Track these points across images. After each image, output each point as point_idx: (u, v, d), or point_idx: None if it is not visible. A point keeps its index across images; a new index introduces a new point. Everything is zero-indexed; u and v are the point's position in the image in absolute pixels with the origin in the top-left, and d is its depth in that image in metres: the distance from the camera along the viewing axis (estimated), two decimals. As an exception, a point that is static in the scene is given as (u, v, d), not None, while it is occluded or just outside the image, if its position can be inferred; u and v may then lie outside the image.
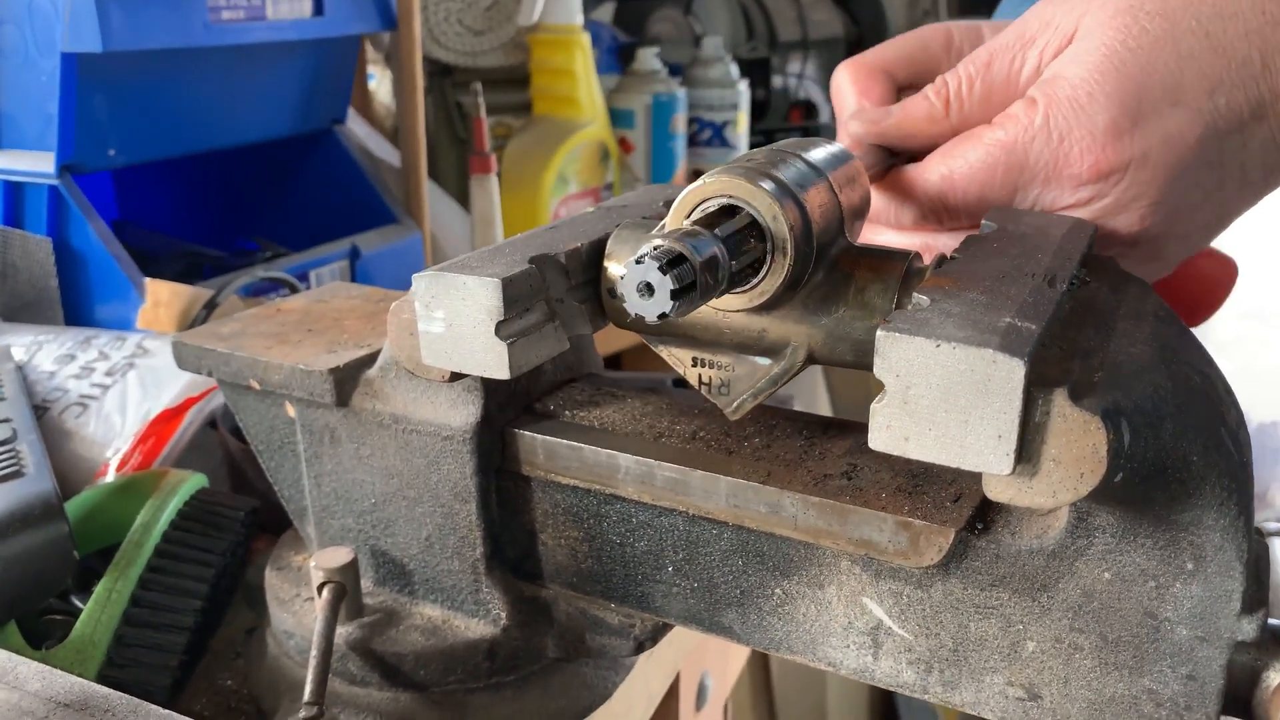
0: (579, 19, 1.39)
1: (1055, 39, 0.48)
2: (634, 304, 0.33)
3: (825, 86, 2.54)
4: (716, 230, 0.36)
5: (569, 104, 1.39)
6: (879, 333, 0.33)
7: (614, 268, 0.46)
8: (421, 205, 1.14)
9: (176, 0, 0.85)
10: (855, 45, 2.65)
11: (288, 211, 1.19)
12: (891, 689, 0.45)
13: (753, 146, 1.90)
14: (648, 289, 0.33)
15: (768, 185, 0.39)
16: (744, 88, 1.68)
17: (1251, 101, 0.45)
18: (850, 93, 0.55)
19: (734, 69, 1.68)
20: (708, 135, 1.64)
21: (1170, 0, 0.45)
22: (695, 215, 0.40)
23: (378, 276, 1.07)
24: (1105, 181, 0.46)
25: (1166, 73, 0.44)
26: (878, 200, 0.52)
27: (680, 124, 1.56)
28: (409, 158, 1.13)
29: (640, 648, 0.51)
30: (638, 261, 0.33)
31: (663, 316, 0.33)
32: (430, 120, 1.36)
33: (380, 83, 1.35)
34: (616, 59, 1.93)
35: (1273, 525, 0.58)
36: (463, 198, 1.29)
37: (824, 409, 1.53)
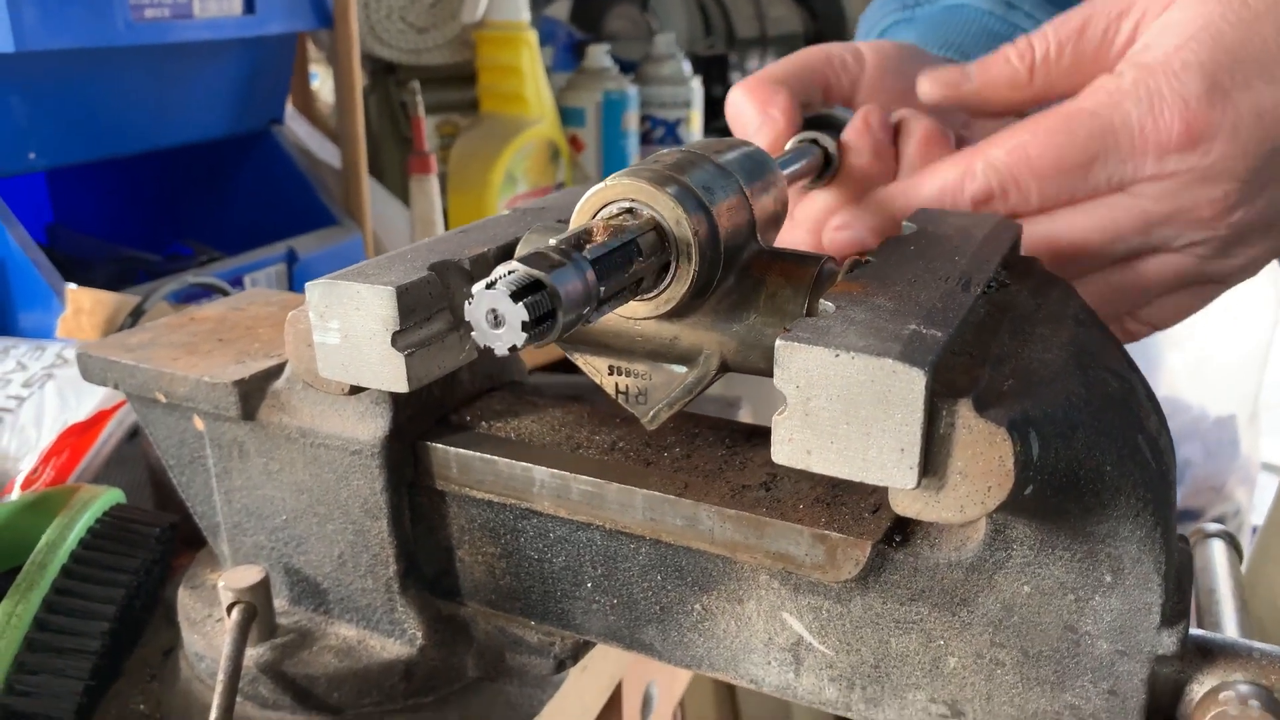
0: (526, 15, 1.37)
1: (1154, 7, 0.46)
2: (481, 333, 0.30)
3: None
4: (610, 235, 0.34)
5: (516, 102, 1.37)
6: (778, 342, 0.32)
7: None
8: (362, 206, 1.11)
9: (96, -2, 0.82)
10: (814, 41, 2.64)
11: (226, 214, 1.16)
12: (815, 706, 0.44)
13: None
14: (497, 318, 0.30)
15: (672, 189, 0.37)
16: (697, 85, 1.66)
17: None
18: (751, 109, 0.53)
19: (687, 66, 1.67)
20: (660, 133, 1.63)
21: None
22: (600, 217, 0.39)
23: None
24: (1194, 150, 0.44)
25: (1264, 48, 0.43)
26: (937, 170, 0.49)
27: (632, 122, 1.55)
28: (349, 158, 1.11)
29: (561, 666, 0.50)
30: (489, 286, 0.30)
31: (513, 349, 0.30)
32: (374, 119, 1.33)
33: (323, 81, 1.32)
34: (572, 55, 1.90)
35: (1213, 527, 0.57)
36: (407, 197, 1.27)
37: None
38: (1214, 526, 0.59)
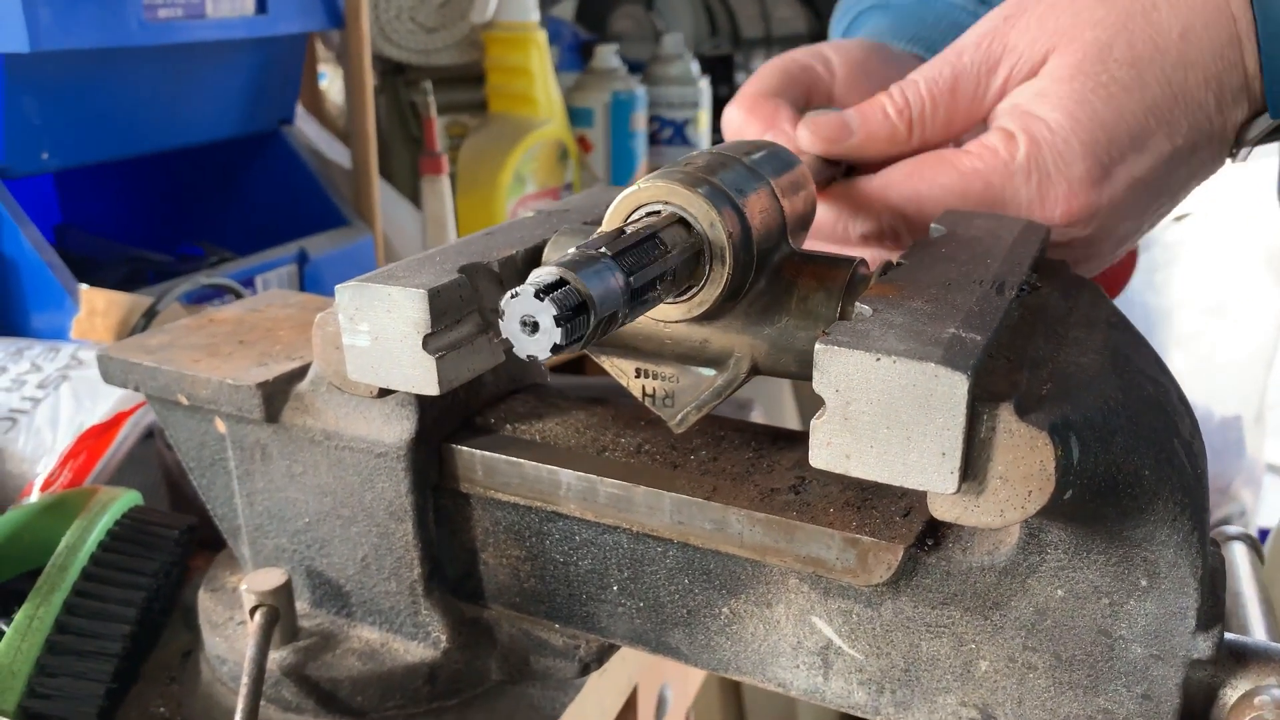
0: (535, 16, 1.36)
1: (1022, 67, 0.48)
2: (516, 340, 0.30)
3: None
4: (643, 238, 0.34)
5: (525, 102, 1.37)
6: (817, 346, 0.32)
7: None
8: (373, 207, 1.11)
9: (110, -2, 0.81)
10: (818, 41, 2.64)
11: (236, 215, 1.16)
12: (843, 710, 0.44)
13: (715, 144, 1.89)
14: (532, 325, 0.29)
15: (705, 191, 0.37)
16: (705, 85, 1.66)
17: (1202, 136, 0.47)
18: (756, 126, 0.54)
19: (695, 66, 1.66)
20: (669, 134, 1.62)
21: (1137, 48, 0.45)
22: (632, 220, 0.38)
23: (327, 280, 1.05)
24: (1074, 226, 0.47)
25: (1134, 121, 0.46)
26: (825, 212, 0.51)
27: (640, 122, 1.54)
28: (359, 158, 1.11)
29: (586, 670, 0.50)
30: (524, 292, 0.29)
31: (552, 352, 0.29)
32: (383, 120, 1.33)
33: (332, 82, 1.32)
34: (578, 56, 1.90)
35: (1233, 529, 0.57)
36: (417, 198, 1.27)
37: (790, 412, 1.52)
38: (1234, 529, 0.59)
